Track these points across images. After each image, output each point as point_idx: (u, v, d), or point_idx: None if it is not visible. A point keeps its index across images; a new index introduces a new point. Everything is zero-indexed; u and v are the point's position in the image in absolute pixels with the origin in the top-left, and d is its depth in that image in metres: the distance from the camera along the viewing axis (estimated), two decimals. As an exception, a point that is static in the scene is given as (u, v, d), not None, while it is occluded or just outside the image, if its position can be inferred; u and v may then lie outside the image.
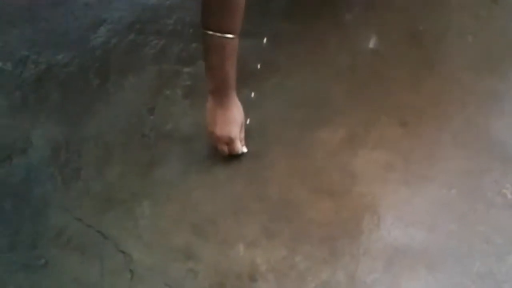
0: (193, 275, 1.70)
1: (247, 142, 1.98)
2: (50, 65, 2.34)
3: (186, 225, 1.81)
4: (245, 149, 2.01)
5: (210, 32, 1.79)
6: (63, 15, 2.54)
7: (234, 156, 1.99)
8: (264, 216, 1.81)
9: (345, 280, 1.67)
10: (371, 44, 2.25)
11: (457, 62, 2.19)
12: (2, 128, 2.14)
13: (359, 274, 1.68)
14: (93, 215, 1.86)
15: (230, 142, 1.96)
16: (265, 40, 2.20)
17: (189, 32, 2.39)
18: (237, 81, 2.06)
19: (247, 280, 1.68)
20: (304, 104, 2.09)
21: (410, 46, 2.25)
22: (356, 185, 1.87)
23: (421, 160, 1.91)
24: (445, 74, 2.15)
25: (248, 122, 2.02)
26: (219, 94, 1.91)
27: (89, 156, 2.03)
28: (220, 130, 1.93)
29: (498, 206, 1.80)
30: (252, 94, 2.10)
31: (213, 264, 1.72)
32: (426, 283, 1.65)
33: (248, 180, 1.91)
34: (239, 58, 2.17)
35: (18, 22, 2.52)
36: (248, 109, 2.05)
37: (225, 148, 1.98)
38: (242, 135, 2.00)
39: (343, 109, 2.06)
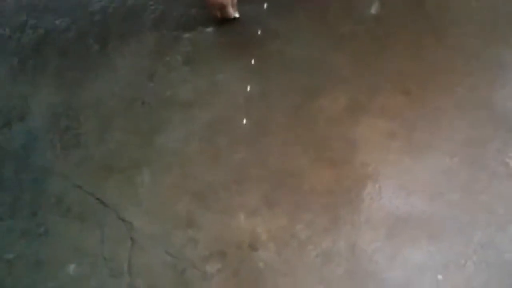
0: (193, 244, 1.70)
1: (248, 109, 1.97)
2: (49, 31, 2.31)
3: (187, 194, 1.81)
4: (237, 14, 2.16)
5: None
6: (62, -21, 2.50)
7: (226, 21, 2.12)
8: (265, 184, 1.80)
9: (346, 249, 1.67)
10: (373, 10, 2.22)
11: (461, 29, 2.16)
12: (1, 94, 2.12)
13: (360, 243, 1.68)
14: (93, 183, 1.86)
15: (221, 7, 2.09)
16: (265, 5, 2.17)
17: (189, -3, 2.36)
18: (237, 47, 2.05)
19: (247, 249, 1.69)
20: (305, 71, 2.07)
21: (413, 12, 2.22)
22: (358, 154, 1.85)
23: (423, 129, 1.90)
24: (449, 41, 2.12)
25: (248, 89, 2.01)
26: None
27: (89, 123, 2.02)
28: None
29: (500, 175, 1.79)
30: (253, 61, 2.08)
31: (213, 233, 1.72)
32: (427, 252, 1.65)
33: (249, 148, 1.89)
34: (239, 23, 2.16)
35: (15, -14, 2.49)
36: (248, 76, 2.04)
37: (218, 13, 2.12)
38: (235, 1, 2.13)
39: (345, 77, 2.04)
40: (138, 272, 1.67)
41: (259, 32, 2.14)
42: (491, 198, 1.74)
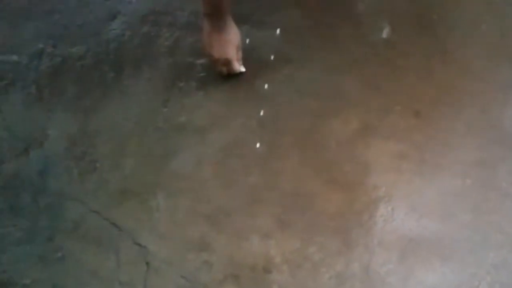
0: (208, 267, 1.72)
1: (261, 133, 1.99)
2: (65, 58, 2.35)
3: (201, 217, 1.83)
4: (243, 69, 2.12)
5: None
6: (78, 8, 2.55)
7: (232, 76, 2.10)
8: (277, 207, 1.82)
9: (359, 271, 1.68)
10: (384, 34, 2.24)
11: (471, 50, 2.17)
12: (19, 121, 2.16)
13: (373, 266, 1.68)
14: (109, 208, 1.88)
15: (227, 63, 2.06)
16: (278, 31, 2.20)
17: (203, 23, 2.40)
18: (250, 72, 2.07)
19: (261, 271, 1.70)
20: (317, 95, 2.09)
21: (423, 35, 2.24)
22: (369, 176, 1.87)
23: (434, 150, 1.91)
24: (459, 63, 2.14)
25: (262, 113, 2.03)
26: (215, 17, 1.99)
27: (105, 148, 2.04)
28: (217, 52, 2.03)
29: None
30: (266, 86, 2.11)
31: (227, 256, 1.74)
32: (440, 274, 1.66)
33: (262, 171, 1.91)
34: (252, 49, 2.19)
35: (33, 15, 2.54)
36: (261, 100, 2.07)
37: (224, 69, 2.09)
38: (240, 55, 2.09)
39: (356, 100, 2.06)
40: (154, 296, 1.70)
41: (271, 58, 2.17)
42: (503, 218, 1.75)
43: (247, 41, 2.24)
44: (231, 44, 2.02)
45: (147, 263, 1.74)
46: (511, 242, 1.70)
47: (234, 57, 2.05)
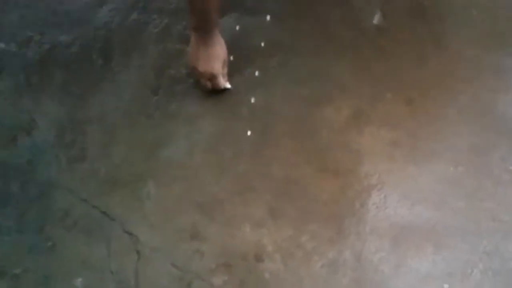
0: (199, 256, 1.71)
1: (252, 121, 1.98)
2: (54, 46, 2.32)
3: (192, 205, 1.82)
4: (228, 85, 2.07)
5: None
6: (66, -5, 2.52)
7: (216, 92, 2.05)
8: (269, 195, 1.81)
9: (351, 259, 1.67)
10: (375, 20, 2.23)
11: (463, 37, 2.17)
12: (7, 109, 2.14)
13: (365, 253, 1.68)
14: (98, 196, 1.87)
15: (212, 77, 2.02)
16: (268, 17, 2.18)
17: (192, 10, 2.37)
18: (241, 59, 2.05)
19: (253, 260, 1.69)
20: (308, 82, 2.08)
21: (415, 21, 2.23)
22: (362, 164, 1.86)
23: (427, 137, 1.90)
24: (451, 49, 2.13)
25: (253, 101, 2.02)
26: (202, 31, 1.96)
27: (94, 137, 2.02)
28: (203, 66, 1.99)
29: (505, 183, 1.80)
30: (256, 73, 2.09)
31: (219, 245, 1.73)
32: (433, 261, 1.66)
33: (253, 159, 1.90)
34: (242, 36, 2.17)
35: (20, 3, 2.50)
36: (252, 87, 2.06)
37: (208, 84, 2.04)
38: (225, 71, 2.05)
39: (348, 87, 2.05)
40: (145, 285, 1.68)
41: (262, 44, 2.15)
42: (496, 205, 1.75)
43: (237, 27, 2.22)
44: (217, 59, 1.99)
45: (138, 252, 1.73)
46: (504, 229, 1.70)
47: (220, 73, 2.01)
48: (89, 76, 2.20)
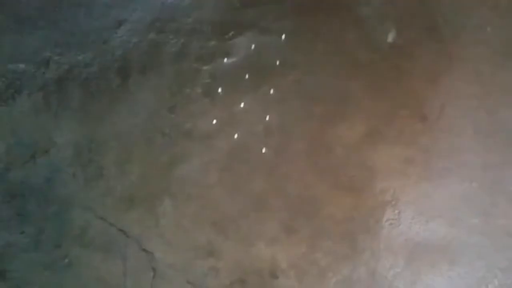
0: (214, 273, 1.72)
1: (267, 138, 2.00)
2: (72, 66, 2.35)
3: (207, 223, 1.83)
4: None
5: None
6: (84, 16, 2.55)
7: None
8: (283, 213, 1.81)
9: (366, 275, 1.67)
10: (390, 38, 2.24)
11: (477, 53, 2.16)
12: (26, 128, 2.17)
13: (380, 270, 1.68)
14: (115, 214, 1.89)
15: None
16: (283, 37, 2.20)
17: (208, 30, 2.39)
18: (256, 77, 2.07)
19: (268, 276, 1.70)
20: (323, 100, 2.08)
21: (429, 39, 2.23)
22: (376, 180, 1.86)
23: (441, 154, 1.90)
24: (465, 67, 2.13)
25: (267, 119, 2.03)
26: None
27: (111, 155, 2.05)
28: None
29: (519, 199, 1.79)
30: (271, 91, 2.11)
31: (234, 262, 1.74)
32: (448, 278, 1.65)
33: (268, 177, 1.91)
34: (258, 54, 2.18)
35: (39, 24, 2.54)
36: (267, 106, 2.07)
37: None
38: None
39: (362, 105, 2.05)
40: (161, 302, 1.70)
41: (277, 63, 2.17)
42: (510, 222, 1.74)
43: (253, 46, 2.24)
44: None
45: (154, 269, 1.74)
46: (519, 245, 1.70)
47: None
48: (106, 96, 2.23)
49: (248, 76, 2.15)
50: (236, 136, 2.03)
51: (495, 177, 1.83)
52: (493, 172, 1.84)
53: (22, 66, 2.38)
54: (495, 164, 1.86)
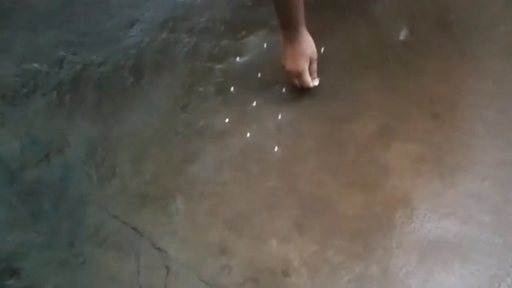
0: (227, 271, 1.73)
1: (279, 137, 2.00)
2: (86, 65, 2.38)
3: (220, 221, 1.84)
4: (316, 82, 2.10)
5: None
6: (97, 15, 2.58)
7: (306, 90, 2.09)
8: (296, 211, 1.82)
9: (378, 274, 1.68)
10: (402, 36, 2.24)
11: (489, 51, 2.16)
12: (40, 128, 2.19)
13: (392, 268, 1.68)
14: (129, 212, 1.90)
15: (298, 75, 2.04)
16: (295, 34, 2.20)
17: (221, 29, 2.41)
18: (268, 76, 2.08)
19: (280, 275, 1.70)
20: (335, 98, 2.09)
21: (442, 37, 2.23)
22: (388, 178, 1.86)
23: (453, 152, 1.90)
24: (477, 64, 2.13)
25: (280, 117, 2.04)
26: (288, 29, 1.98)
27: (124, 154, 2.07)
28: (290, 64, 2.02)
29: (532, 197, 1.79)
30: (284, 89, 2.12)
31: (247, 259, 1.75)
32: (460, 276, 1.65)
33: (280, 175, 1.92)
34: (270, 53, 2.19)
35: (53, 23, 2.57)
36: (279, 104, 2.08)
37: (296, 81, 2.07)
38: (314, 67, 2.07)
39: (374, 102, 2.06)
40: (174, 300, 1.71)
41: (289, 61, 2.18)
42: (523, 219, 1.74)
43: (265, 45, 2.25)
44: (303, 57, 1.99)
45: (167, 267, 1.75)
46: (532, 244, 1.69)
47: (305, 70, 2.02)
48: (120, 95, 2.25)
49: (261, 75, 2.16)
50: (248, 134, 2.03)
51: (507, 175, 1.82)
52: (506, 170, 1.83)
53: (36, 65, 2.41)
54: (507, 162, 1.85)
